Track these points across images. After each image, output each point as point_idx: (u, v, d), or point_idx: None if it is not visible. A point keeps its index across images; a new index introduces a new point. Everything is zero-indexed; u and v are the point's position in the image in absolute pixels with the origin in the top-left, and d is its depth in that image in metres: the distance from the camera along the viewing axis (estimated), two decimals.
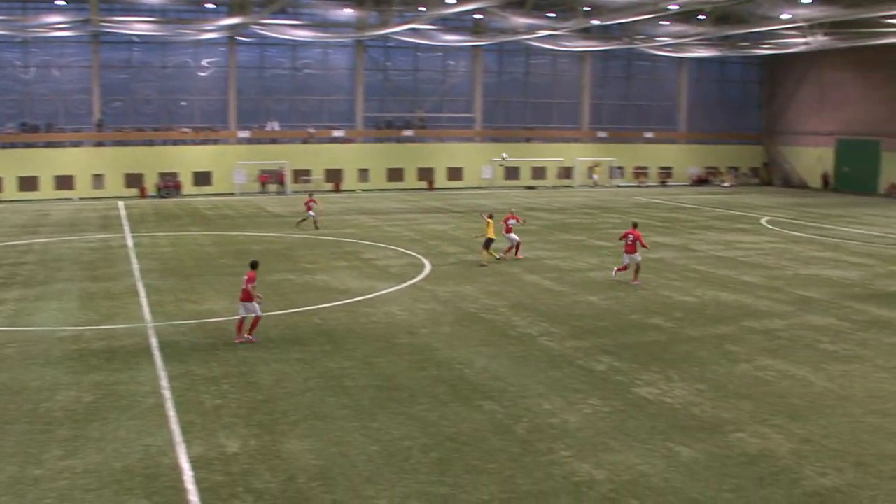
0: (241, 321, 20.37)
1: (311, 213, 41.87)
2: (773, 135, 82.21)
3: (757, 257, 34.32)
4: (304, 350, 19.74)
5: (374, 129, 69.97)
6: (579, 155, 73.83)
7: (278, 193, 63.16)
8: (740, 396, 16.73)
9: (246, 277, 20.03)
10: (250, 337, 20.29)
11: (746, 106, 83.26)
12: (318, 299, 25.22)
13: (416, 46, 68.63)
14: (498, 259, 32.14)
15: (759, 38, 69.20)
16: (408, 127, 70.06)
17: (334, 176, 66.87)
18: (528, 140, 73.83)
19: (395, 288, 27.05)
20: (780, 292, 27.16)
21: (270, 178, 64.28)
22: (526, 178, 72.30)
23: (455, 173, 70.18)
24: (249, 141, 65.58)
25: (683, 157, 79.07)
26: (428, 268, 30.87)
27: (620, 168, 75.40)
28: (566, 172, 73.34)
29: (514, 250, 33.01)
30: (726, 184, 77.20)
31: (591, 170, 74.16)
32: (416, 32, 63.64)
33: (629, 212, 51.94)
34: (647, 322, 22.84)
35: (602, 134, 76.16)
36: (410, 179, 68.96)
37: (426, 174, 69.38)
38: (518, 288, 27.17)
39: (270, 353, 19.51)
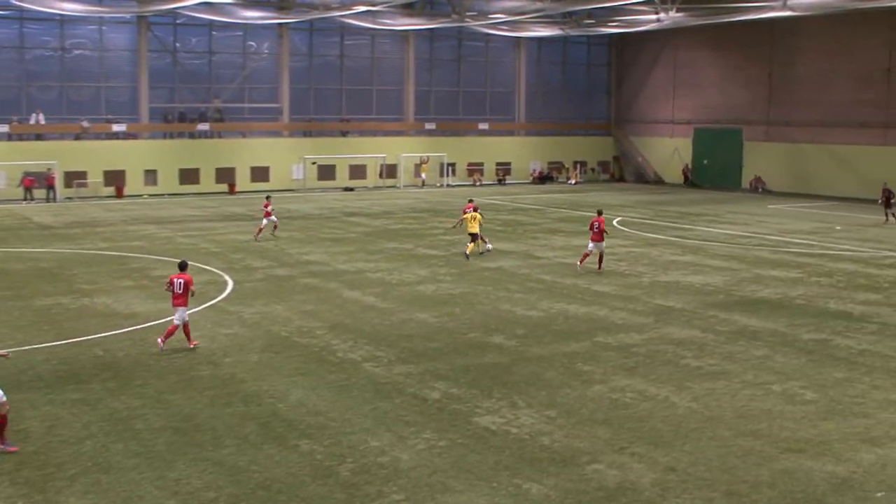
0: (184, 327, 22.27)
1: (273, 218, 42.52)
2: (624, 124, 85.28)
3: (610, 263, 35.38)
4: (84, 388, 19.07)
5: (163, 123, 68.38)
6: (404, 151, 74.48)
7: (47, 200, 60.90)
8: (595, 422, 17.18)
9: (183, 281, 22.01)
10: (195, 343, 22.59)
11: (594, 92, 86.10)
12: (99, 327, 24.43)
13: (211, 24, 67.58)
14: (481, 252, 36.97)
15: (605, 15, 71.62)
16: (203, 120, 68.83)
17: (115, 179, 64.95)
18: (344, 134, 73.89)
19: (193, 311, 26.46)
20: (636, 302, 28.12)
21: (36, 182, 61.89)
22: (343, 178, 72.31)
23: (260, 174, 69.46)
24: (9, 137, 62.91)
25: (524, 152, 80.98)
26: (231, 285, 30.41)
27: (452, 165, 76.50)
28: (390, 171, 73.84)
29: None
30: (572, 181, 79.53)
31: (418, 167, 74.90)
32: (210, 7, 62.65)
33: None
34: (486, 341, 23.19)
35: (430, 126, 77.10)
36: (207, 182, 67.77)
37: (226, 175, 68.35)
38: (337, 306, 27.10)
39: (41, 393, 18.73)
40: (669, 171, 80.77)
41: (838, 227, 48.75)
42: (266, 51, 71.73)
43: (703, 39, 76.28)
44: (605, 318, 25.85)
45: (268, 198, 44.20)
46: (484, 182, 77.18)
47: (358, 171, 73.05)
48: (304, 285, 30.53)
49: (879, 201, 52.26)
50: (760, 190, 72.10)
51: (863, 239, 44.37)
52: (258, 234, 42.27)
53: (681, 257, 37.46)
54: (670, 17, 64.78)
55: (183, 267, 22.58)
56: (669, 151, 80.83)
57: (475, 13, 68.96)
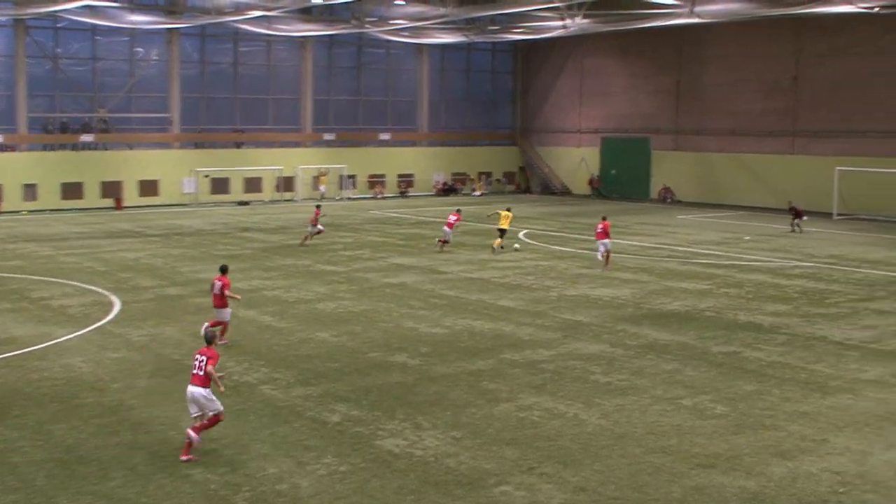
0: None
1: (320, 226, 46.35)
2: (529, 134, 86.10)
3: (516, 277, 35.67)
4: None
5: (43, 134, 66.99)
6: (302, 162, 74.16)
7: None
8: (503, 442, 17.26)
9: (220, 283, 23.64)
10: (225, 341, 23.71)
11: (498, 101, 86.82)
12: None
13: (94, 28, 66.50)
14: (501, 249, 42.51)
15: (510, 22, 72.33)
16: (87, 130, 67.61)
17: None
18: (238, 145, 73.31)
19: (77, 334, 25.97)
20: (543, 317, 28.36)
21: None
22: (237, 191, 71.70)
23: (149, 188, 68.50)
24: None
25: (427, 163, 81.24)
26: (118, 306, 29.91)
27: (352, 177, 76.38)
28: (287, 184, 73.43)
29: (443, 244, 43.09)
30: (477, 192, 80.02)
31: (317, 180, 74.62)
32: (93, 11, 61.66)
33: (363, 229, 52.69)
34: (389, 360, 23.16)
35: (329, 136, 76.91)
36: (92, 197, 66.59)
37: (112, 190, 67.24)
38: (232, 326, 26.81)
39: None
40: (576, 182, 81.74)
41: (747, 238, 49.79)
42: (155, 57, 70.79)
43: (610, 47, 77.48)
44: (511, 334, 26.01)
45: (318, 206, 48.78)
46: (386, 195, 77.18)
47: (253, 185, 72.50)
48: (196, 305, 30.15)
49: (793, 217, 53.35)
50: (669, 200, 73.36)
51: (772, 249, 45.39)
52: (305, 240, 45.89)
53: (589, 270, 37.89)
54: (576, 23, 65.53)
55: (224, 270, 24.48)
56: (576, 161, 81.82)
57: (375, 19, 69.01)
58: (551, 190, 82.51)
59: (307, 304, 30.37)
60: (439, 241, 44.06)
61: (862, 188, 61.43)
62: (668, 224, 56.82)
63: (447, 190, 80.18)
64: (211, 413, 16.64)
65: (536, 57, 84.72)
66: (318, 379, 21.45)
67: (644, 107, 76.28)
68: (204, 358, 16.57)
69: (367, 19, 68.79)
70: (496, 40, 77.81)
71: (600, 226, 39.29)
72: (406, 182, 79.67)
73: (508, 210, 44.77)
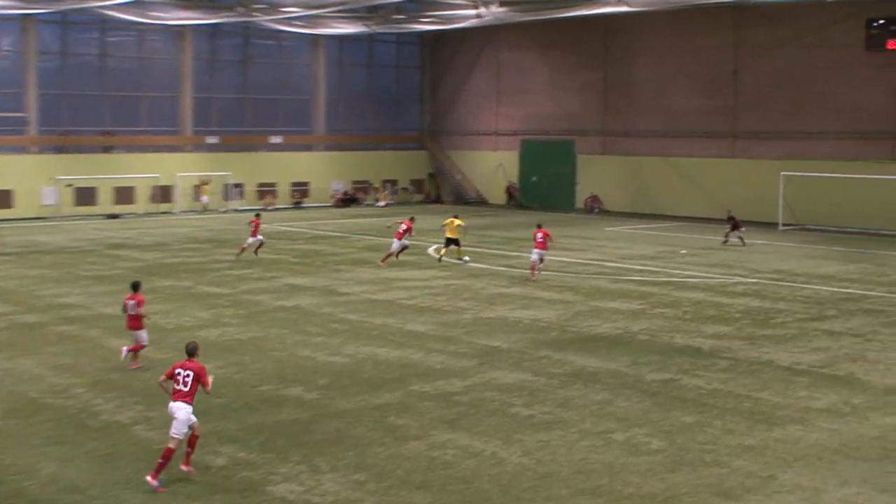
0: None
1: (261, 237, 47.05)
2: (440, 136, 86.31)
3: (425, 298, 35.67)
4: None
5: None
6: (182, 169, 73.48)
7: None
8: (412, 486, 17.20)
9: (134, 302, 24.37)
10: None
11: (404, 99, 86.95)
12: None
13: None
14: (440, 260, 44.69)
15: (417, 10, 72.45)
16: None
17: None
18: (107, 150, 72.40)
19: None
20: (457, 343, 28.37)
21: None
22: (106, 203, 70.76)
23: (2, 198, 67.29)
24: None
25: (324, 169, 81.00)
26: None
27: (239, 186, 75.85)
28: (164, 194, 72.70)
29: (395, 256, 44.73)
30: (381, 203, 79.98)
31: (198, 189, 73.97)
32: None
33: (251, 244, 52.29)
34: (282, 394, 22.98)
35: (212, 140, 76.33)
36: None
37: None
38: (100, 358, 26.41)
39: None
40: (493, 190, 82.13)
41: (684, 251, 50.42)
42: (7, 48, 69.60)
43: (529, 39, 78.06)
44: (421, 363, 25.97)
45: (258, 215, 48.58)
46: (277, 206, 76.74)
47: (125, 195, 71.61)
48: (58, 334, 29.63)
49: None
50: (597, 210, 74.03)
51: (711, 264, 46.01)
52: (240, 252, 46.80)
53: (507, 289, 38.03)
54: (491, 12, 65.79)
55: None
56: (493, 167, 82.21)
57: (265, 6, 68.62)
58: (465, 199, 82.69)
59: (188, 331, 30.00)
60: (390, 255, 44.97)
61: (810, 195, 62.56)
62: (595, 237, 57.31)
63: (347, 200, 79.99)
64: (191, 425, 17.71)
65: (447, 50, 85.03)
66: (201, 417, 21.07)
67: (568, 106, 76.94)
68: (190, 373, 17.61)
69: (255, 6, 68.42)
70: (401, 31, 77.95)
71: (540, 234, 40.63)
72: (300, 191, 79.35)
73: (456, 217, 46.31)
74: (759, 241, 54.40)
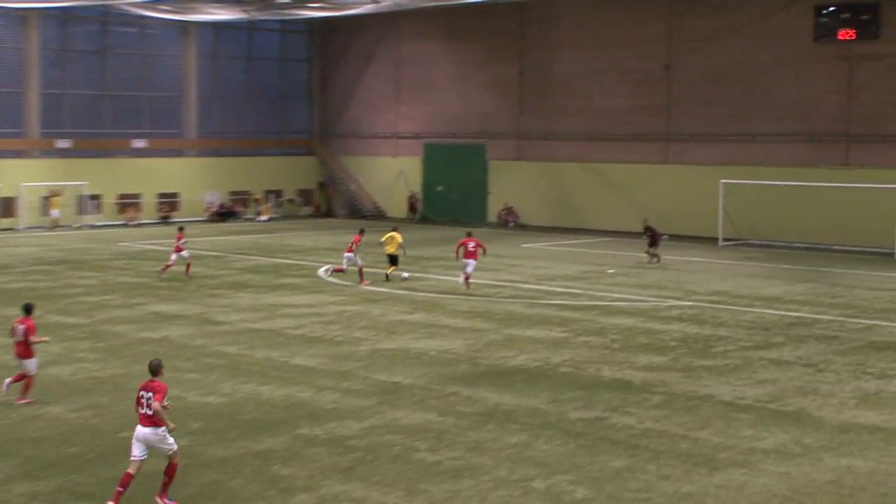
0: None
1: (184, 253, 48.08)
2: (331, 140, 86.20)
3: (315, 327, 35.45)
4: None
5: None
6: (27, 179, 72.62)
7: None
8: None
9: (23, 327, 24.57)
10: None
11: (290, 97, 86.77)
12: None
13: None
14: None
15: None
16: None
17: None
18: None
19: None
20: (352, 379, 28.18)
21: None
22: None
23: None
24: None
25: (196, 178, 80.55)
26: None
27: (96, 198, 75.04)
28: (6, 207, 71.67)
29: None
30: (263, 217, 79.68)
31: (47, 202, 73.04)
32: None
33: (111, 266, 51.80)
34: None
35: (63, 143, 75.51)
36: None
37: None
38: None
39: None
40: (394, 201, 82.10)
41: (611, 271, 50.73)
42: None
43: (434, 27, 78.25)
44: (310, 403, 25.73)
45: (181, 229, 49.64)
46: (142, 221, 75.93)
47: None
48: None
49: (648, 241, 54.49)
50: (512, 224, 74.30)
51: (642, 285, 46.34)
52: (163, 270, 47.68)
53: (410, 316, 37.94)
54: None
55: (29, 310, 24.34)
56: (393, 175, 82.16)
57: None
58: (360, 212, 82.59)
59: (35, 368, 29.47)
60: (334, 269, 47.56)
61: (754, 206, 63.37)
62: (510, 255, 57.44)
63: (224, 214, 79.48)
64: (168, 453, 18.53)
65: (339, 41, 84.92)
66: (50, 470, 20.77)
67: (478, 105, 77.18)
68: (150, 394, 18.33)
69: None
70: (286, 18, 77.74)
71: (472, 243, 44.02)
72: (169, 204, 78.71)
73: (395, 230, 48.31)
74: (697, 259, 54.92)
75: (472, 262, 43.96)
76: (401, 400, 26.06)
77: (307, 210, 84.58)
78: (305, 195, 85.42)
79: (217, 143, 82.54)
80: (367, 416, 24.49)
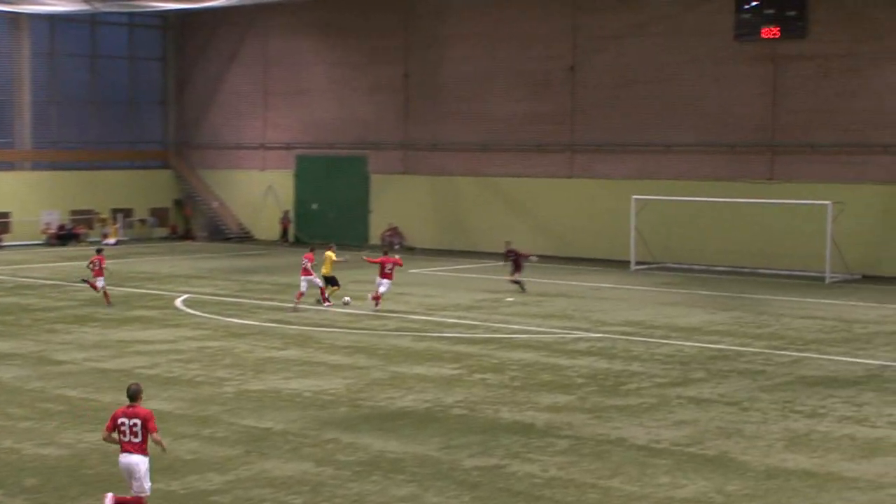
0: None
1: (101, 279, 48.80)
2: (189, 151, 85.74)
3: (172, 366, 35.22)
4: None
5: None
6: None
7: None
8: None
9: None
10: None
11: (141, 102, 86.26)
12: None
13: None
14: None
15: None
16: None
17: None
18: None
19: None
20: (214, 425, 28.04)
21: None
22: None
23: None
24: None
25: (32, 195, 79.96)
26: None
27: None
28: None
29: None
30: (111, 240, 79.03)
31: None
32: None
33: None
34: None
35: None
36: None
37: None
38: None
39: None
40: (263, 221, 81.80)
41: (510, 299, 51.00)
42: None
43: (307, 23, 78.21)
44: (166, 453, 25.50)
45: (99, 251, 51.03)
46: None
47: None
48: None
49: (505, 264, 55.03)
50: (397, 246, 74.31)
51: (545, 314, 46.64)
52: (107, 300, 48.67)
53: (281, 352, 37.85)
54: None
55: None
56: (261, 191, 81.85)
57: None
58: (224, 234, 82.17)
59: None
60: (298, 294, 48.52)
61: (670, 225, 64.01)
62: (396, 282, 57.07)
63: (65, 236, 78.71)
64: (141, 492, 19.68)
65: (198, 37, 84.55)
66: None
67: (358, 111, 77.14)
68: (138, 422, 19.62)
69: None
70: (136, 10, 77.31)
71: (389, 264, 47.86)
72: None
73: (331, 248, 50.09)
74: (607, 285, 55.35)
75: (386, 282, 47.72)
76: (271, 448, 25.97)
77: (162, 232, 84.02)
78: (160, 215, 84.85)
79: (55, 154, 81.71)
80: (233, 468, 24.36)
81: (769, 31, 61.99)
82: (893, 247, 59.60)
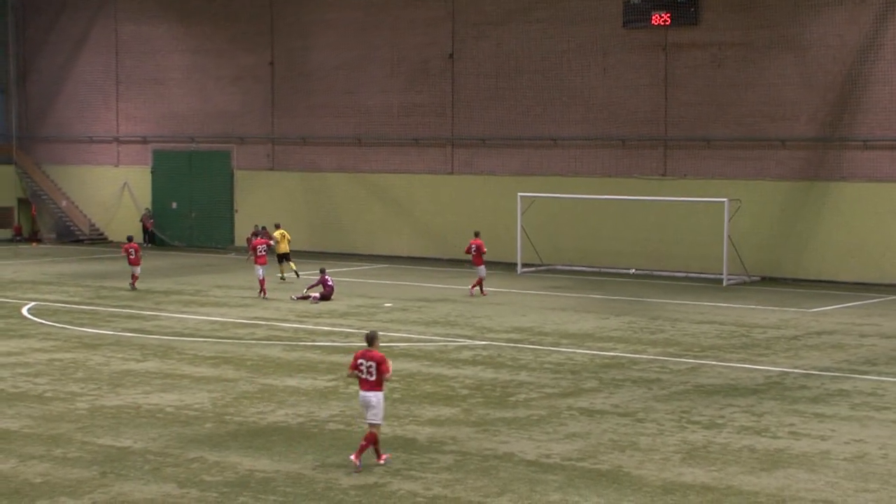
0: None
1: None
2: (34, 145, 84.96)
3: (18, 380, 34.86)
4: None
5: None
6: None
7: None
8: None
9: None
10: None
11: None
12: None
13: None
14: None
15: None
16: None
17: None
18: None
19: None
20: (67, 445, 27.75)
21: None
22: None
23: None
24: None
25: None
26: None
27: None
28: None
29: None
30: None
31: None
32: None
33: None
34: None
35: None
36: None
37: None
38: None
39: None
40: (118, 222, 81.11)
41: (388, 304, 51.02)
42: None
43: (161, 6, 77.88)
44: (12, 476, 25.19)
45: (130, 239, 57.35)
46: None
47: None
48: None
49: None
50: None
51: (427, 321, 46.73)
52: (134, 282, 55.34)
53: (140, 364, 37.59)
54: None
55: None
56: (116, 189, 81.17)
57: None
58: (75, 236, 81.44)
59: None
60: (261, 282, 53.31)
61: (558, 225, 64.37)
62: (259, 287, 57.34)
63: None
64: (375, 420, 25.13)
65: (42, 21, 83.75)
66: None
67: (220, 102, 76.79)
68: (373, 364, 25.01)
69: None
70: None
71: (473, 245, 53.63)
72: None
73: (279, 227, 57.49)
74: (492, 289, 55.48)
75: (481, 268, 53.55)
76: (130, 469, 25.74)
77: (5, 234, 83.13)
78: (2, 215, 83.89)
79: None
80: (87, 491, 24.11)
81: (659, 18, 62.33)
82: (792, 247, 60.25)
